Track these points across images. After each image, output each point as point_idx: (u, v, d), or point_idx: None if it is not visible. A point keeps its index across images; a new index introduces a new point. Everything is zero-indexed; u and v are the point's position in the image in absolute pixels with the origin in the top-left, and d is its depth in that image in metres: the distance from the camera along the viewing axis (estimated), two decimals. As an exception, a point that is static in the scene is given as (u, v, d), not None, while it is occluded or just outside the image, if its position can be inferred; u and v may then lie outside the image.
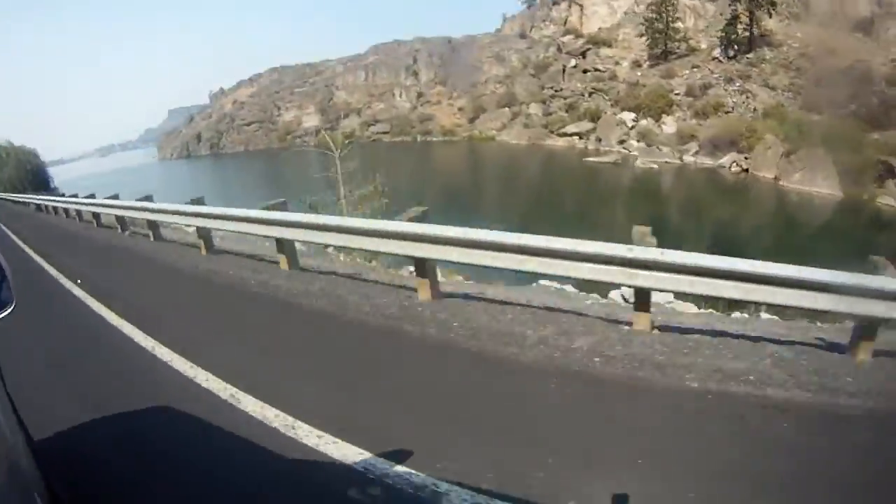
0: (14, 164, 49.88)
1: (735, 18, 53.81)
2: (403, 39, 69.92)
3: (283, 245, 5.64)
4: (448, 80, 62.72)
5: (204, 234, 7.10)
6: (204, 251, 7.09)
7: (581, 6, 71.91)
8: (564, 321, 3.88)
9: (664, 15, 56.29)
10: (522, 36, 61.50)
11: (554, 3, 73.67)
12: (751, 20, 54.01)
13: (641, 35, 60.45)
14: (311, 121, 69.92)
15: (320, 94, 67.17)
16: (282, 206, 5.75)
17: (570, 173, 38.61)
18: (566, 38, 66.44)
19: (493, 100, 58.93)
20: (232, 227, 6.32)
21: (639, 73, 58.39)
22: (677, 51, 58.61)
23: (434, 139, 60.13)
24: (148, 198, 8.82)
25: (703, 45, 59.43)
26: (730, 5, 50.86)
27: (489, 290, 5.11)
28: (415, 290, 4.54)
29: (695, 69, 55.65)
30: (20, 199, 25.77)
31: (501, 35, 62.65)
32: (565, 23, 72.39)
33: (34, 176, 50.45)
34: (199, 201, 6.95)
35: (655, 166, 34.98)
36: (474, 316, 4.04)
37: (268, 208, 5.64)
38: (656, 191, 32.36)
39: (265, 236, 5.89)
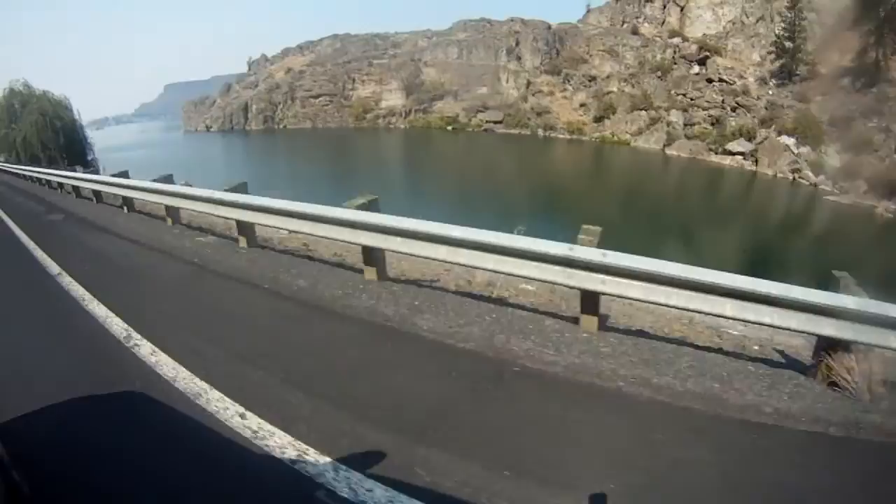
0: (35, 119, 36.35)
1: (864, 49, 53.26)
2: (493, 18, 61.86)
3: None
4: (559, 69, 56.98)
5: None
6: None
7: (681, 7, 68.38)
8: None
9: (796, 35, 54.67)
10: (634, 32, 57.09)
11: (647, 0, 69.23)
12: (876, 53, 53.65)
13: (768, 51, 58.81)
14: (394, 99, 61.58)
15: (406, 70, 57.98)
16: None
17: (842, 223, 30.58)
18: (674, 41, 62.97)
19: (620, 99, 54.29)
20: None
21: (769, 92, 56.56)
22: (798, 72, 57.44)
23: (558, 136, 54.72)
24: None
25: (823, 70, 58.68)
26: (863, 36, 49.93)
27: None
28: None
29: (825, 96, 54.63)
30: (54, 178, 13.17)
31: (612, 28, 58.38)
32: (663, 23, 68.60)
33: (66, 138, 37.49)
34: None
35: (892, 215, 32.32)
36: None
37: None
38: None
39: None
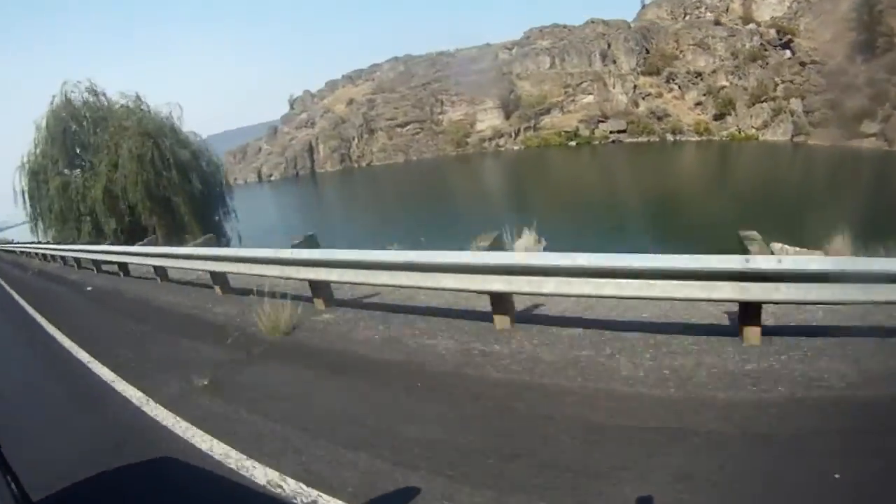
0: (135, 147, 19.84)
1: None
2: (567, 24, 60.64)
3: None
4: (658, 69, 56.94)
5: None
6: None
7: (742, -9, 70.57)
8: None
9: (873, 8, 58.48)
10: (717, 23, 58.34)
11: (706, -12, 70.58)
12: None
13: (840, 27, 61.93)
14: (491, 118, 59.36)
15: (498, 86, 55.71)
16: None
17: None
18: (750, 26, 64.91)
19: (735, 93, 55.31)
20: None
21: (862, 68, 59.86)
22: (878, 45, 61.20)
23: (688, 139, 54.85)
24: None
25: None
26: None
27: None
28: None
29: (911, 66, 58.43)
30: None
31: (695, 21, 58.92)
32: (727, 10, 70.46)
33: (205, 188, 21.75)
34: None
35: None
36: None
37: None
38: None
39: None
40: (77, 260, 14.23)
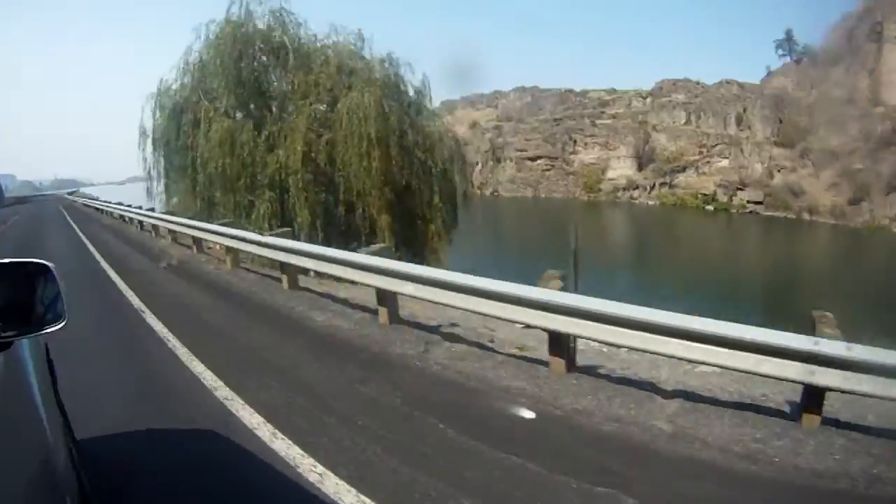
0: (374, 98, 12.56)
1: None
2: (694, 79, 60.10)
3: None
4: (792, 142, 57.23)
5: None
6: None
7: (869, 72, 70.97)
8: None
9: None
10: (850, 101, 58.30)
11: (832, 64, 70.96)
12: None
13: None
14: (623, 168, 58.56)
15: (635, 135, 55.49)
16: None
17: None
18: (879, 110, 65.44)
19: (871, 179, 55.68)
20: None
21: None
22: None
23: (826, 221, 54.97)
24: None
25: None
26: None
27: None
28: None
29: None
30: None
31: (829, 97, 58.86)
32: (854, 88, 70.74)
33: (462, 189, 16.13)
34: None
35: None
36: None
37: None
38: None
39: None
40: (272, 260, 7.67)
